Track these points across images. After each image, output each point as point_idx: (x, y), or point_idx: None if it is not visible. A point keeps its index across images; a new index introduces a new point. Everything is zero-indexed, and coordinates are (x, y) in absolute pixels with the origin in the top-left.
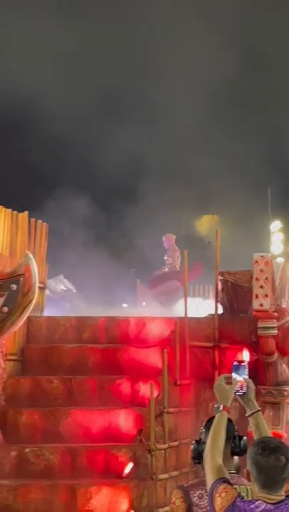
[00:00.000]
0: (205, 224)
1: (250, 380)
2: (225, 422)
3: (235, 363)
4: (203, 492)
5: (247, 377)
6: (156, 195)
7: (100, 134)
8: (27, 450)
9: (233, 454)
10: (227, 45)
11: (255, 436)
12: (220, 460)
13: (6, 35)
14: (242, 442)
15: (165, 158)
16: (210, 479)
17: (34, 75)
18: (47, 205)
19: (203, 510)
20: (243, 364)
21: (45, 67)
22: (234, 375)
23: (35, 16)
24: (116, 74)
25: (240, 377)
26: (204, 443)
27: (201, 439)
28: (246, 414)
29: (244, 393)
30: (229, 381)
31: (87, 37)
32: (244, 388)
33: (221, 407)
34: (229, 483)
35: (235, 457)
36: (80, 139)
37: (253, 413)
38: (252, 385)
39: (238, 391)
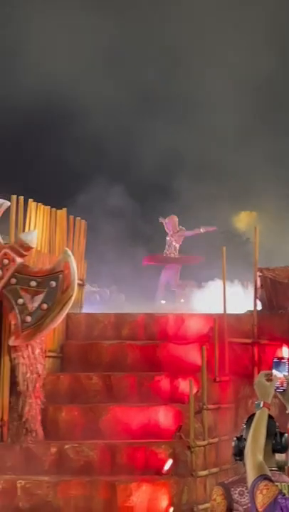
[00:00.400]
0: (243, 220)
1: None
2: (265, 418)
3: (275, 360)
4: (243, 489)
5: (287, 374)
6: (193, 190)
7: (135, 129)
8: (67, 446)
9: (275, 451)
10: (267, 39)
11: None
12: (261, 457)
13: (41, 33)
14: (283, 439)
15: (202, 153)
16: (251, 476)
17: (69, 72)
18: (83, 201)
19: (244, 507)
20: (283, 361)
21: (79, 64)
22: (274, 371)
23: (69, 13)
24: (151, 69)
25: (281, 374)
26: (245, 440)
27: (242, 435)
28: (287, 411)
29: (284, 390)
30: (270, 378)
31: (122, 33)
32: (285, 385)
33: (262, 404)
34: (270, 480)
35: (279, 454)
36: (116, 135)
37: None
38: None
39: (278, 388)
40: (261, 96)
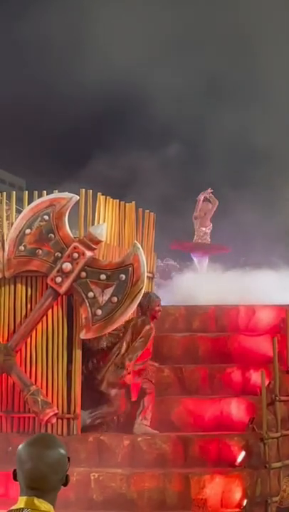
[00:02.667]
0: None
1: None
2: None
3: None
4: None
5: None
6: (264, 179)
7: (205, 117)
8: (140, 439)
9: None
10: None
11: None
12: None
13: (108, 21)
14: None
15: (272, 141)
16: None
17: (136, 60)
18: (149, 194)
19: None
20: None
21: (146, 52)
22: None
23: (139, 1)
24: (220, 55)
25: None
26: None
27: None
28: None
29: None
30: None
31: (190, 17)
32: None
33: None
34: None
35: None
36: (185, 124)
37: None
38: None
39: None
40: None
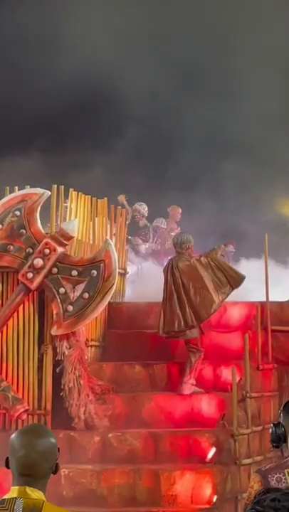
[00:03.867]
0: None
1: None
2: None
3: None
4: (281, 476)
5: None
6: (239, 175)
7: (180, 112)
8: (110, 435)
9: None
10: None
11: None
12: None
13: (86, 15)
14: None
15: (247, 136)
16: None
17: (109, 54)
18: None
19: None
20: None
21: (122, 47)
22: None
23: None
24: (196, 51)
25: None
26: (283, 426)
27: (279, 422)
28: None
29: None
30: None
31: (164, 13)
32: None
33: None
34: None
35: None
36: (160, 118)
37: None
38: None
39: None
40: None
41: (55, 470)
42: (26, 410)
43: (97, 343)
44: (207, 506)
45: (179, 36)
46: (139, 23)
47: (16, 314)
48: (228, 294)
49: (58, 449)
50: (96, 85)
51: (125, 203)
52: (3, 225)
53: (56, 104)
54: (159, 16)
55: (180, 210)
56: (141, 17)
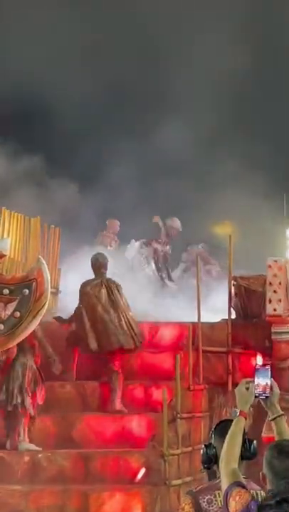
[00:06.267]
0: (218, 229)
1: (275, 384)
2: (242, 427)
3: (257, 366)
4: (212, 497)
5: (271, 380)
6: (178, 196)
7: (110, 126)
8: (40, 455)
9: (243, 458)
10: (241, 34)
11: None
12: (235, 465)
13: (6, 26)
14: (252, 446)
15: (179, 158)
16: (225, 483)
17: (40, 66)
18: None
19: None
20: (266, 367)
21: (51, 58)
22: (256, 379)
23: (40, 5)
24: (126, 64)
25: (264, 381)
26: (214, 447)
27: (210, 443)
28: (269, 419)
29: (267, 397)
30: (247, 387)
31: (95, 25)
32: (267, 392)
33: (238, 413)
34: (243, 487)
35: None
36: (90, 132)
37: (275, 417)
38: (276, 389)
39: (260, 394)
40: (237, 97)
41: None
42: None
43: None
44: None
45: (111, 50)
46: (71, 35)
47: None
48: None
49: None
50: (27, 97)
51: (160, 223)
52: None
53: None
54: (92, 29)
55: (118, 222)
56: (73, 30)
